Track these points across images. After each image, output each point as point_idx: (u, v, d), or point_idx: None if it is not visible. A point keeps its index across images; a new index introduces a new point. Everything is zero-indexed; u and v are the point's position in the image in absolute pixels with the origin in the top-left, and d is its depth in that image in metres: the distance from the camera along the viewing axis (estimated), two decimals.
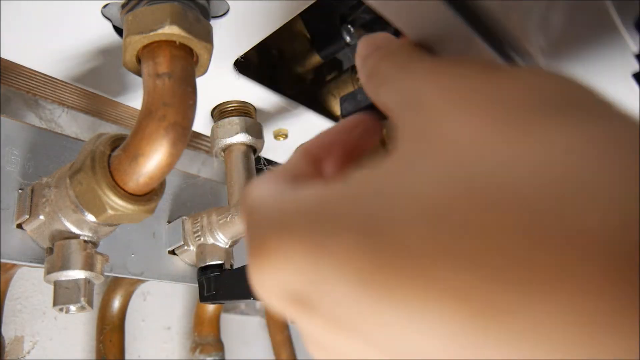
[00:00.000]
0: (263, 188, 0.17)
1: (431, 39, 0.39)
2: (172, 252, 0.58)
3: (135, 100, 0.53)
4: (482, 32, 0.36)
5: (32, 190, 0.45)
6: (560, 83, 0.15)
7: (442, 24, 0.35)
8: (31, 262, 0.45)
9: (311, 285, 0.14)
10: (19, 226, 0.45)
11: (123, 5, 0.39)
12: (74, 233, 0.43)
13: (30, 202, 0.45)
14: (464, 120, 0.15)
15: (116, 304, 0.64)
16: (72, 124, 0.69)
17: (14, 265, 0.48)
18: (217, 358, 0.71)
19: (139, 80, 0.39)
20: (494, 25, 0.36)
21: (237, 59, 0.48)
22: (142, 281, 0.63)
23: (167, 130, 0.36)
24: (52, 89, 0.64)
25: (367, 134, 0.23)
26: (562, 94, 0.14)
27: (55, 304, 0.42)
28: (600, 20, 0.33)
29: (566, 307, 0.11)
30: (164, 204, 0.59)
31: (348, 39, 0.60)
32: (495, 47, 0.37)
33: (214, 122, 0.56)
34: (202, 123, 0.58)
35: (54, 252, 0.43)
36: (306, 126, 0.61)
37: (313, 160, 0.21)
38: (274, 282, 0.15)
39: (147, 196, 0.41)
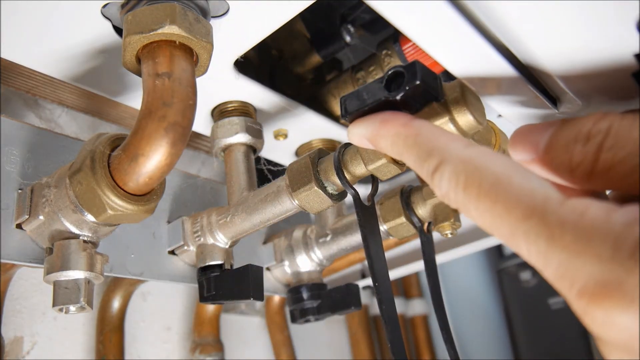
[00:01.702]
0: None
1: (432, 39, 0.39)
2: (172, 252, 0.57)
3: (135, 100, 0.53)
4: (484, 33, 0.36)
5: (32, 190, 0.45)
6: None
7: (442, 24, 0.35)
8: (31, 262, 0.45)
9: None
10: (19, 226, 0.45)
11: (123, 5, 0.39)
12: (73, 233, 0.43)
13: (30, 202, 0.45)
14: None
15: (116, 304, 0.64)
16: (71, 124, 0.68)
17: (14, 265, 0.48)
18: (217, 358, 0.71)
19: (139, 80, 0.39)
20: (496, 26, 0.36)
21: (237, 59, 0.48)
22: (142, 281, 0.63)
23: (167, 130, 0.36)
24: (51, 89, 0.64)
25: None
26: None
27: (54, 304, 0.42)
28: (600, 19, 0.33)
29: None
30: (164, 204, 0.59)
31: (348, 38, 0.60)
32: (498, 49, 0.37)
33: (214, 122, 0.56)
34: (202, 123, 0.58)
35: (53, 252, 0.43)
36: (306, 126, 0.61)
37: None
38: None
39: (147, 196, 0.41)
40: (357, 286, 0.63)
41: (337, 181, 0.44)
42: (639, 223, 0.20)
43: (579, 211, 0.21)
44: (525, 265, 1.25)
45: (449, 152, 0.26)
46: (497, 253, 1.35)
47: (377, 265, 0.41)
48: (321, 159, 0.46)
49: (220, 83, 0.51)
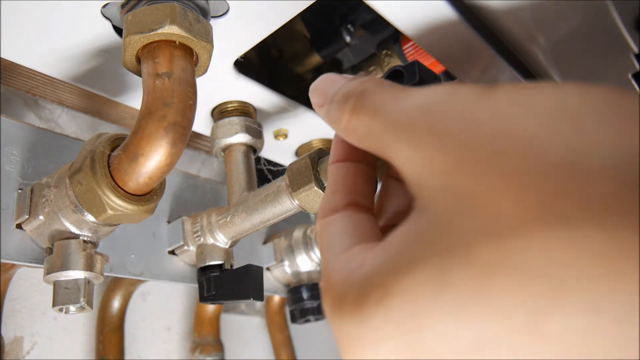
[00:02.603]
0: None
1: (432, 38, 0.39)
2: (172, 252, 0.57)
3: (135, 100, 0.53)
4: (483, 32, 0.36)
5: (32, 191, 0.45)
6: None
7: (442, 24, 0.35)
8: (31, 262, 0.45)
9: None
10: (19, 226, 0.45)
11: (122, 5, 0.39)
12: (73, 233, 0.43)
13: (30, 202, 0.45)
14: None
15: (116, 304, 0.64)
16: (71, 124, 0.68)
17: (14, 265, 0.48)
18: (216, 358, 0.71)
19: (138, 80, 0.39)
20: (495, 23, 0.36)
21: (237, 59, 0.48)
22: (142, 281, 0.63)
23: (167, 130, 0.36)
24: (51, 89, 0.64)
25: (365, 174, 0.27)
26: None
27: (54, 304, 0.42)
28: (601, 20, 0.33)
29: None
30: (164, 204, 0.59)
31: (348, 38, 0.60)
32: (495, 46, 0.37)
33: (214, 122, 0.56)
34: (202, 123, 0.58)
35: (53, 252, 0.43)
36: (306, 126, 0.61)
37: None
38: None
39: (147, 196, 0.41)
40: None
41: None
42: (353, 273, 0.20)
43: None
44: None
45: None
46: None
47: None
48: (321, 159, 0.46)
49: (220, 83, 0.51)
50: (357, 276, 0.19)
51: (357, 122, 0.22)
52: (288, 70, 0.65)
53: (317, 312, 0.64)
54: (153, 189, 0.41)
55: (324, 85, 0.26)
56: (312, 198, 0.45)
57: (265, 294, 0.58)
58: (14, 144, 0.48)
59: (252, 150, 0.57)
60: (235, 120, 0.54)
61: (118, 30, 0.42)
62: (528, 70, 0.40)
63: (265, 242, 0.70)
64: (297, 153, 0.67)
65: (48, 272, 0.42)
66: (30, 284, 0.61)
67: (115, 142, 0.41)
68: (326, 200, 0.25)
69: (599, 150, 0.15)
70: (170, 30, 0.36)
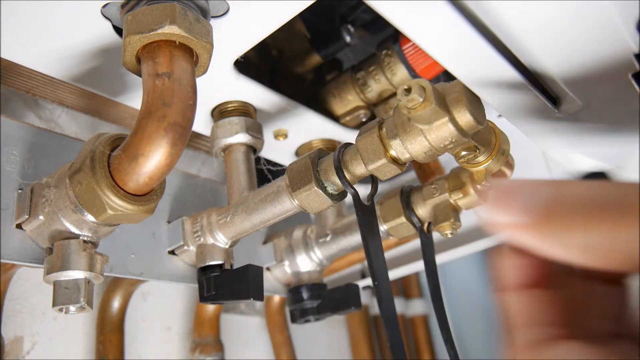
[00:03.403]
0: None
1: (433, 39, 0.39)
2: (172, 252, 0.57)
3: (135, 100, 0.53)
4: (482, 31, 0.36)
5: (32, 191, 0.45)
6: None
7: (442, 24, 0.35)
8: (31, 262, 0.45)
9: None
10: (19, 226, 0.45)
11: (123, 5, 0.39)
12: (73, 233, 0.43)
13: (30, 202, 0.45)
14: None
15: (116, 304, 0.64)
16: (71, 124, 0.68)
17: (14, 265, 0.48)
18: (216, 358, 0.71)
19: (139, 80, 0.39)
20: (495, 23, 0.36)
21: (237, 59, 0.48)
22: (142, 281, 0.63)
23: (166, 130, 0.36)
24: (51, 89, 0.64)
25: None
26: None
27: (54, 304, 0.42)
28: (601, 20, 0.33)
29: None
30: (164, 204, 0.59)
31: (348, 38, 0.60)
32: (499, 50, 0.37)
33: (214, 122, 0.56)
34: (202, 123, 0.58)
35: (53, 252, 0.43)
36: (306, 126, 0.61)
37: None
38: None
39: (147, 196, 0.41)
40: (357, 286, 0.63)
41: (337, 181, 0.44)
42: None
43: None
44: None
45: None
46: None
47: (376, 264, 0.41)
48: (321, 159, 0.46)
49: (220, 83, 0.51)
50: None
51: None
52: (288, 70, 0.65)
53: (317, 312, 0.64)
54: (153, 189, 0.41)
55: (515, 195, 0.21)
56: (312, 198, 0.45)
57: (265, 294, 0.58)
58: (14, 144, 0.48)
59: (252, 150, 0.57)
60: (235, 120, 0.54)
61: (118, 30, 0.42)
62: (527, 69, 0.40)
63: (265, 242, 0.70)
64: (297, 153, 0.67)
65: (48, 272, 0.42)
66: (30, 284, 0.61)
67: (115, 142, 0.41)
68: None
69: None
70: (170, 30, 0.36)
